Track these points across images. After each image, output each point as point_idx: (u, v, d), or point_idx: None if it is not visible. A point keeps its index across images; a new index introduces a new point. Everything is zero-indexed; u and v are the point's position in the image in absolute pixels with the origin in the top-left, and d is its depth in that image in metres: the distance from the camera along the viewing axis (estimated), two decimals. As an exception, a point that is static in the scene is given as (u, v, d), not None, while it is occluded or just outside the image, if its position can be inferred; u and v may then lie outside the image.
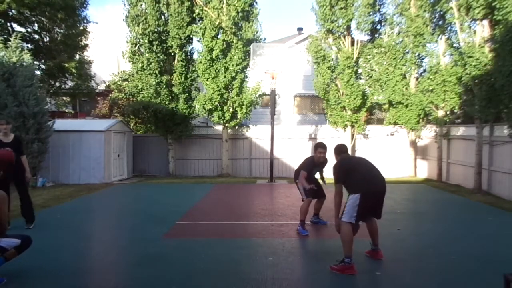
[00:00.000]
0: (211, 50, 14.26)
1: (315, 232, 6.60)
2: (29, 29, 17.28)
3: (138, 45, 15.36)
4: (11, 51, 11.71)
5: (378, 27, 15.10)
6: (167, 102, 15.14)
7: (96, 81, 20.43)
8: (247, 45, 14.38)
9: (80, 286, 4.29)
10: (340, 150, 5.28)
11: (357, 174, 4.74)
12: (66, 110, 22.26)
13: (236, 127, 15.73)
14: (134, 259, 5.18)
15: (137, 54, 15.40)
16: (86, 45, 18.93)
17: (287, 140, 16.02)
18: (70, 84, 19.16)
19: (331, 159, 5.57)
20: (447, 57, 12.92)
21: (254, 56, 13.53)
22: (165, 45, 15.17)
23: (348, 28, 14.88)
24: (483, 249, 5.52)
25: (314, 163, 6.48)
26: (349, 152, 8.08)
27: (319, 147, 6.39)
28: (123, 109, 18.40)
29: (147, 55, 14.99)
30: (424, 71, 14.47)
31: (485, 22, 10.10)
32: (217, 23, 13.96)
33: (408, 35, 13.98)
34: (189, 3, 14.66)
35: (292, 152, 15.94)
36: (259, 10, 14.88)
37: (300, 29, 25.36)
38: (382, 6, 14.92)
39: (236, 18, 14.08)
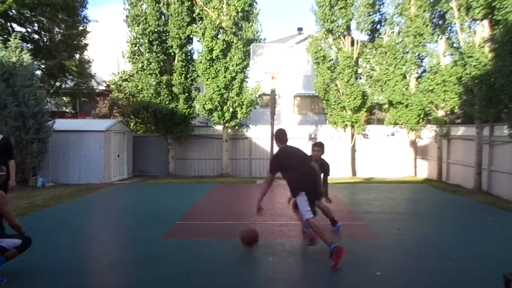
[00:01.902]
0: (211, 50, 14.25)
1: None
2: (29, 29, 17.27)
3: (138, 45, 15.35)
4: (11, 51, 11.70)
5: (378, 27, 15.10)
6: (167, 102, 15.14)
7: (96, 81, 20.42)
8: (247, 45, 14.37)
9: (80, 286, 4.29)
10: (280, 137, 5.62)
11: (296, 172, 5.10)
12: (66, 110, 22.24)
13: (236, 127, 15.72)
14: (134, 259, 5.18)
15: (137, 54, 15.39)
16: (86, 44, 18.92)
17: (287, 140, 15.99)
18: (70, 84, 19.15)
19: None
20: (447, 57, 12.93)
21: (254, 56, 13.51)
22: (165, 45, 15.17)
23: (348, 28, 14.88)
24: (483, 249, 5.52)
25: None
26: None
27: (315, 146, 6.54)
28: (123, 109, 18.40)
29: (147, 55, 14.98)
30: (424, 71, 14.46)
31: (485, 22, 10.10)
32: (217, 23, 13.96)
33: (408, 35, 13.97)
34: (189, 3, 14.66)
35: (292, 152, 15.91)
36: (259, 10, 14.89)
37: (300, 29, 25.33)
38: (381, 6, 14.94)
39: (236, 18, 14.08)
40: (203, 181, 13.94)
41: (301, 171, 5.08)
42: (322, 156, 6.44)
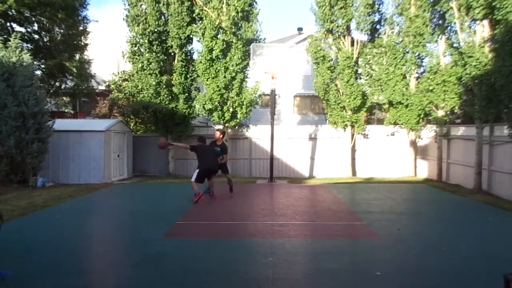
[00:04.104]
0: (211, 50, 14.25)
1: (315, 232, 6.61)
2: (29, 29, 17.27)
3: (138, 45, 15.34)
4: (11, 51, 11.70)
5: (378, 27, 15.09)
6: (167, 102, 15.13)
7: (96, 81, 20.42)
8: (247, 45, 14.36)
9: (80, 286, 4.29)
10: (201, 139, 9.56)
11: (201, 158, 8.99)
12: (66, 110, 22.24)
13: (236, 127, 15.72)
14: (134, 259, 5.18)
15: (137, 54, 15.38)
16: (86, 44, 18.92)
17: (287, 140, 16.01)
18: (70, 84, 19.15)
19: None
20: (447, 57, 12.92)
21: (254, 56, 13.51)
22: (165, 45, 15.16)
23: (348, 28, 14.87)
24: (483, 249, 5.52)
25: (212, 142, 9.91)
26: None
27: (217, 131, 10.16)
28: (123, 109, 18.39)
29: (147, 55, 14.97)
30: (424, 71, 14.46)
31: (485, 22, 10.10)
32: (217, 23, 13.95)
33: (408, 35, 13.97)
34: (189, 3, 14.65)
35: (292, 152, 15.93)
36: (259, 10, 14.86)
37: (300, 29, 25.32)
38: (381, 5, 14.91)
39: (236, 18, 14.07)
40: (203, 181, 13.90)
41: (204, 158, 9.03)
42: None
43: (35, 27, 17.50)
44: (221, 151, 9.61)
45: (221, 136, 9.80)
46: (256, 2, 14.76)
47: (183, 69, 15.16)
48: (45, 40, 17.82)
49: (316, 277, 4.52)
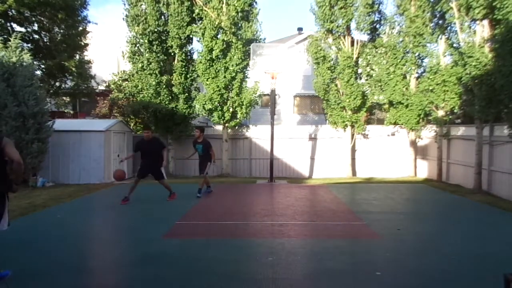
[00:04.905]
0: (211, 50, 14.26)
1: (315, 232, 6.60)
2: (29, 29, 17.27)
3: (138, 45, 15.35)
4: (11, 51, 11.70)
5: (378, 26, 15.09)
6: (167, 102, 15.14)
7: (96, 81, 20.43)
8: (247, 45, 14.37)
9: (80, 286, 4.29)
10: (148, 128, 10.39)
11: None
12: (66, 110, 22.24)
13: (236, 127, 15.72)
14: (134, 259, 5.18)
15: (137, 54, 15.39)
16: (86, 44, 18.92)
17: (287, 140, 16.01)
18: (70, 84, 19.16)
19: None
20: (447, 57, 12.91)
21: (254, 56, 13.50)
22: (165, 45, 15.17)
23: (348, 28, 14.87)
24: (483, 249, 5.52)
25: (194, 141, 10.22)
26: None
27: (196, 128, 10.73)
28: (123, 109, 18.39)
29: (147, 55, 14.98)
30: (424, 71, 14.45)
31: (485, 22, 10.09)
32: (216, 23, 13.96)
33: (408, 35, 13.97)
34: (189, 3, 14.66)
35: (292, 152, 15.93)
36: (259, 10, 14.88)
37: (300, 29, 25.33)
38: (381, 5, 14.88)
39: (235, 18, 14.08)
40: (203, 181, 13.90)
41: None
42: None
43: (35, 27, 17.49)
44: (202, 149, 9.89)
45: (201, 133, 10.04)
46: (256, 2, 14.80)
47: (183, 69, 15.16)
48: (45, 40, 17.82)
49: (316, 277, 4.52)
